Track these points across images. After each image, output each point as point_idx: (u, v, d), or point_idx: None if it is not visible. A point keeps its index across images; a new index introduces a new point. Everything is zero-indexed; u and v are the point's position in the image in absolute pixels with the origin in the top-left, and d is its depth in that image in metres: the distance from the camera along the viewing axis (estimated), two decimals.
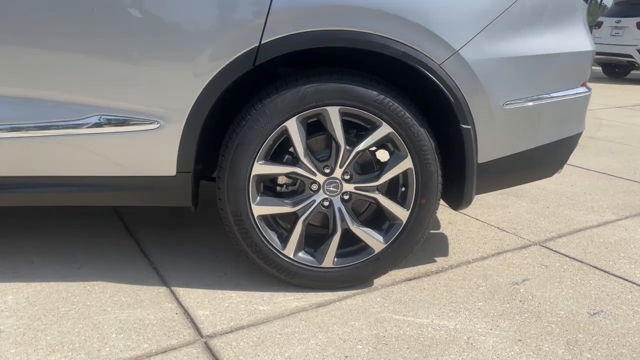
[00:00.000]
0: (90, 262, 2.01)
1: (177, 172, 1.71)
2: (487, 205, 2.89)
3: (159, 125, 1.65)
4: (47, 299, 1.75)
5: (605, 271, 2.15)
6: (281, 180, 1.85)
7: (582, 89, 1.97)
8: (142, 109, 1.64)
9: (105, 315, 1.67)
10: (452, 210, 2.68)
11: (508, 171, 1.95)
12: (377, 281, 1.97)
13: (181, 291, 1.84)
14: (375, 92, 1.70)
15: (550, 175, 2.10)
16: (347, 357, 1.53)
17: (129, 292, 1.82)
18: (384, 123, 1.73)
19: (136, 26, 1.57)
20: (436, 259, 2.20)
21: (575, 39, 1.88)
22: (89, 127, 1.64)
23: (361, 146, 1.76)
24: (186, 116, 1.64)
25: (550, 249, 2.35)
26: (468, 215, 2.72)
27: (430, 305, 1.83)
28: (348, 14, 1.62)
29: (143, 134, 1.65)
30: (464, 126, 1.77)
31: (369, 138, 1.76)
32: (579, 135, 2.05)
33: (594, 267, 2.19)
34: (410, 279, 2.01)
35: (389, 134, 1.75)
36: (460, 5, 1.70)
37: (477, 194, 1.96)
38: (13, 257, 2.03)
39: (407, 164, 1.79)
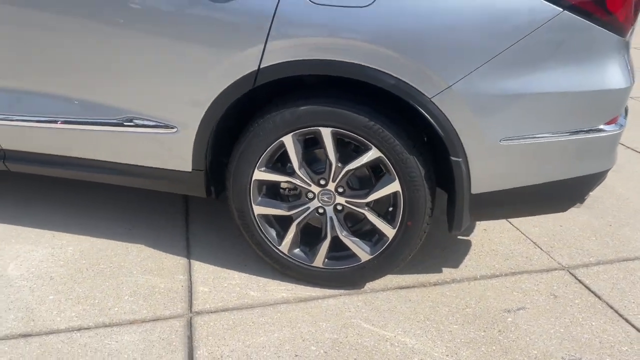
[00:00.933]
0: (141, 225, 2.43)
1: (192, 169, 2.00)
2: None
3: (176, 130, 1.93)
4: (95, 255, 2.20)
5: (619, 313, 2.05)
6: (284, 185, 2.04)
7: (607, 128, 1.83)
8: (165, 116, 1.92)
9: (129, 277, 2.07)
10: None
11: (508, 203, 1.92)
12: (369, 285, 2.12)
13: (196, 265, 2.18)
14: (366, 119, 1.79)
15: (564, 210, 2.01)
16: (297, 356, 1.75)
17: (157, 258, 2.20)
18: (373, 147, 1.82)
19: (161, 53, 1.82)
20: (444, 269, 2.27)
21: (595, 77, 1.73)
22: (126, 126, 1.97)
23: (351, 165, 1.88)
24: (197, 125, 1.89)
25: (575, 277, 2.26)
26: (510, 223, 2.67)
27: (404, 319, 1.95)
28: (339, 46, 1.70)
29: (166, 136, 1.95)
30: (454, 159, 1.79)
31: (358, 159, 1.86)
32: (600, 173, 1.92)
33: (609, 306, 2.09)
34: (402, 288, 2.12)
35: (378, 157, 1.84)
36: (455, 42, 1.67)
37: (477, 220, 1.98)
38: (81, 214, 2.52)
39: (395, 187, 1.87)
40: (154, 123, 1.94)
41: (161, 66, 1.84)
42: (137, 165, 2.05)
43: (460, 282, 2.19)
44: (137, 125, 1.96)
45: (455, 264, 2.31)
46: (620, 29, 1.72)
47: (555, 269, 2.32)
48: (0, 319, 1.82)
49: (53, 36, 1.91)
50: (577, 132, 1.79)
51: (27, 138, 2.11)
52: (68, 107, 2.00)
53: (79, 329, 1.80)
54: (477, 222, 2.66)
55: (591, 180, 1.92)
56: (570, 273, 2.29)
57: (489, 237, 2.54)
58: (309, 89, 1.89)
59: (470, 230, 2.58)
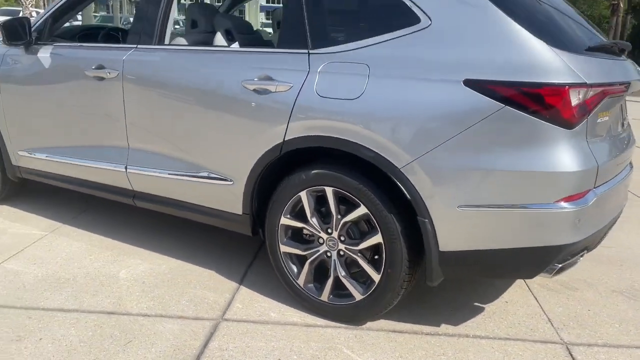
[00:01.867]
0: (216, 256, 3.17)
1: (242, 212, 2.69)
2: (578, 288, 2.89)
3: (232, 182, 2.66)
4: (177, 271, 2.98)
5: None
6: (305, 231, 2.61)
7: (564, 204, 2.08)
8: (225, 172, 2.68)
9: (192, 289, 2.78)
10: (526, 285, 2.87)
11: (474, 263, 2.24)
12: (368, 324, 2.53)
13: (243, 289, 2.81)
14: (357, 182, 2.32)
15: (531, 277, 2.23)
16: (279, 359, 2.25)
17: (217, 280, 2.89)
18: (362, 205, 2.33)
19: (224, 129, 2.61)
20: (443, 324, 2.56)
21: (540, 160, 2.03)
22: (202, 179, 2.77)
23: (346, 218, 2.39)
24: (245, 179, 2.60)
25: (570, 353, 2.38)
26: (535, 299, 2.83)
27: (381, 352, 2.31)
28: (335, 126, 2.30)
29: (225, 186, 2.69)
30: (421, 219, 2.21)
31: (351, 214, 2.38)
32: (564, 246, 2.13)
33: None
34: (395, 331, 2.49)
35: (365, 213, 2.33)
36: (418, 127, 2.15)
37: (450, 276, 2.32)
38: (180, 244, 3.35)
39: (377, 238, 2.33)
40: (217, 176, 2.71)
41: (224, 138, 2.63)
42: (209, 207, 2.82)
43: (451, 336, 2.47)
44: (209, 178, 2.74)
45: (457, 322, 2.59)
46: (564, 122, 2.04)
47: (553, 342, 2.46)
48: (100, 300, 2.65)
49: (166, 117, 2.83)
50: (526, 207, 2.09)
51: (148, 183, 3.04)
52: (173, 163, 2.88)
53: (144, 315, 2.54)
54: (501, 295, 2.88)
55: (553, 252, 2.15)
56: (567, 349, 2.42)
57: (507, 307, 2.75)
58: (322, 157, 2.48)
59: (489, 299, 2.82)
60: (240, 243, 3.31)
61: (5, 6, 50.91)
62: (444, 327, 2.54)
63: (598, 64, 2.23)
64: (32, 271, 2.92)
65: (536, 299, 2.86)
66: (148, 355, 2.24)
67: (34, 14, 19.65)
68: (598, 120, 2.18)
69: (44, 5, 30.82)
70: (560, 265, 2.22)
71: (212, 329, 2.45)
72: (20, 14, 27.57)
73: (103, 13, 34.62)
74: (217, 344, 2.33)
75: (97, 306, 2.60)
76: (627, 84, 2.31)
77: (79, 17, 19.13)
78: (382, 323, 2.54)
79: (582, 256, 2.37)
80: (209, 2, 3.63)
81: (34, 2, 30.18)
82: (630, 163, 2.79)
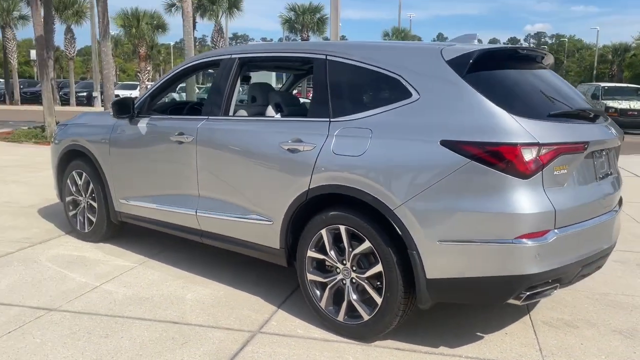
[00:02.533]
0: (265, 283, 3.82)
1: (279, 247, 3.35)
2: (579, 326, 3.21)
3: (272, 222, 3.35)
4: (231, 295, 3.66)
5: None
6: (327, 262, 3.21)
7: (525, 240, 2.54)
8: (267, 214, 3.37)
9: (239, 309, 3.44)
10: (530, 321, 3.24)
11: (456, 289, 2.72)
12: (377, 342, 3.03)
13: (279, 312, 3.42)
14: (362, 221, 2.91)
15: (501, 302, 2.67)
16: None
17: (262, 303, 3.53)
18: (366, 240, 2.91)
19: (265, 180, 3.34)
20: (442, 346, 3.01)
21: (501, 204, 2.53)
22: (247, 220, 3.49)
23: (355, 251, 2.98)
24: (281, 221, 3.28)
25: None
26: (534, 334, 3.18)
27: None
28: (345, 177, 2.94)
29: (266, 225, 3.38)
30: (410, 250, 2.75)
31: (359, 247, 2.96)
32: (527, 276, 2.57)
33: None
34: (399, 349, 2.97)
35: (369, 246, 2.91)
36: (405, 177, 2.74)
37: (437, 300, 2.80)
38: (237, 277, 4.04)
39: (379, 268, 2.88)
40: (261, 218, 3.41)
41: (265, 187, 3.35)
42: (256, 243, 3.51)
43: (445, 355, 2.92)
44: (254, 219, 3.45)
45: (455, 345, 3.02)
46: (520, 174, 2.54)
47: None
48: (169, 314, 3.38)
49: (226, 172, 3.61)
50: (492, 242, 2.58)
51: (212, 224, 3.80)
52: (230, 207, 3.62)
53: (199, 325, 3.22)
54: (504, 327, 3.26)
55: (517, 281, 2.59)
56: None
57: (504, 337, 3.14)
58: (338, 202, 3.10)
59: (491, 329, 3.21)
60: (284, 277, 3.95)
61: (126, 80, 57.17)
62: (442, 348, 2.98)
63: (555, 127, 2.72)
64: (121, 291, 3.74)
65: (535, 332, 3.21)
66: (197, 353, 2.91)
67: (149, 86, 22.24)
68: (555, 173, 2.64)
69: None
70: (527, 294, 2.64)
71: (249, 338, 3.08)
72: (138, 88, 31.24)
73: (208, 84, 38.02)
74: (250, 349, 2.95)
75: (165, 317, 3.33)
76: (585, 144, 2.76)
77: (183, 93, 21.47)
78: (389, 342, 3.04)
79: (555, 289, 2.76)
80: (266, 83, 4.46)
81: (150, 77, 34.06)
82: (617, 206, 3.16)
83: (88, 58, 56.54)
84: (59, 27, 32.29)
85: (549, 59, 3.42)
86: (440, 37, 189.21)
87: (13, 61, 34.27)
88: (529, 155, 2.56)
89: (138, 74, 34.45)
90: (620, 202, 3.36)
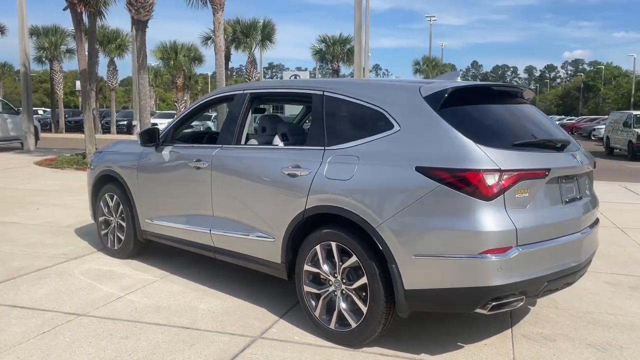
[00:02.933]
0: (268, 297, 4.19)
1: (281, 262, 3.74)
2: (556, 340, 3.46)
3: (274, 239, 3.75)
4: (241, 306, 4.05)
5: None
6: (321, 275, 3.57)
7: (489, 255, 2.86)
8: (270, 232, 3.78)
9: (244, 318, 3.82)
10: (510, 334, 3.52)
11: (428, 299, 3.05)
12: (365, 348, 3.36)
13: (281, 321, 3.78)
14: (350, 238, 3.28)
15: (469, 311, 2.98)
16: None
17: (264, 313, 3.90)
18: (353, 255, 3.27)
19: (268, 201, 3.76)
20: (423, 353, 3.32)
21: (467, 222, 2.86)
22: (254, 237, 3.90)
23: (344, 265, 3.34)
24: (282, 238, 3.68)
25: None
26: (512, 342, 3.46)
27: None
28: (335, 198, 3.33)
29: (269, 242, 3.78)
30: (390, 264, 3.10)
31: (347, 262, 3.32)
32: (491, 287, 2.88)
33: None
34: (383, 354, 3.29)
35: (355, 261, 3.27)
36: (385, 200, 3.11)
37: (415, 309, 3.13)
38: (246, 287, 4.44)
39: (364, 280, 3.23)
40: (265, 235, 3.81)
41: (269, 207, 3.77)
42: (258, 257, 3.91)
43: None
44: (259, 236, 3.86)
45: (434, 352, 3.32)
46: (483, 196, 2.88)
47: None
48: (182, 320, 3.78)
49: (236, 194, 4.05)
50: (459, 256, 2.91)
51: (224, 241, 4.22)
52: (239, 226, 4.05)
53: (208, 331, 3.62)
54: (485, 339, 3.54)
55: (482, 291, 2.90)
56: None
57: (483, 348, 3.42)
58: (330, 221, 3.48)
59: (471, 340, 3.50)
60: (289, 290, 4.31)
61: (165, 109, 59.16)
62: (422, 355, 3.29)
63: (517, 155, 3.05)
64: (143, 301, 4.18)
65: (513, 344, 3.49)
66: (203, 353, 3.30)
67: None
68: (517, 196, 2.97)
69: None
70: (493, 304, 2.95)
71: (250, 342, 3.45)
72: (175, 117, 32.51)
73: None
74: (250, 351, 3.33)
75: (179, 323, 3.74)
76: (547, 170, 3.08)
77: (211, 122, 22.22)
78: (375, 348, 3.36)
79: (521, 301, 3.05)
80: (275, 114, 4.92)
81: (186, 105, 35.42)
82: (588, 227, 3.45)
83: (129, 88, 58.93)
84: (102, 60, 34.02)
85: (529, 94, 3.77)
86: (475, 65, 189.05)
87: (59, 92, 36.19)
88: (491, 180, 2.90)
89: (175, 103, 35.83)
90: (595, 222, 3.64)
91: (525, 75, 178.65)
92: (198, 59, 34.37)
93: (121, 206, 5.19)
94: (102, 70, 37.10)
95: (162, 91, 70.91)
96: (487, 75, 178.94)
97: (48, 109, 36.87)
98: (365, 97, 3.49)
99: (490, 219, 2.90)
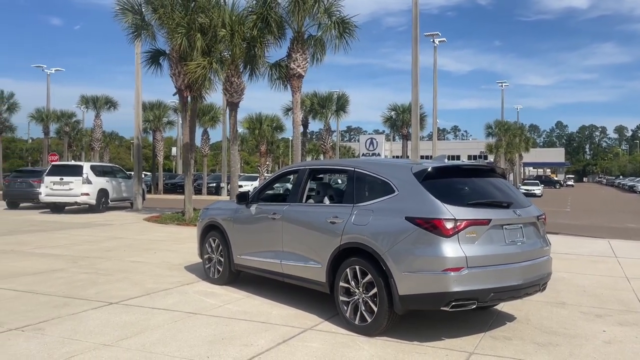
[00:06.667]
0: (320, 306, 6.03)
1: (325, 281, 5.63)
2: (512, 339, 5.05)
3: (321, 266, 5.67)
4: (298, 313, 5.93)
5: None
6: (350, 289, 5.40)
7: (448, 272, 4.62)
8: (318, 260, 5.70)
9: (301, 319, 5.69)
10: (483, 334, 5.17)
11: (414, 301, 4.81)
12: (378, 337, 5.11)
13: (325, 322, 5.62)
14: (367, 262, 5.14)
15: (438, 308, 4.71)
16: (326, 341, 5.00)
17: (313, 317, 5.76)
18: (369, 274, 5.12)
19: (318, 239, 5.71)
20: (415, 340, 5.02)
21: (433, 250, 4.65)
22: (308, 264, 5.83)
23: (364, 281, 5.18)
24: (326, 264, 5.59)
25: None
26: (480, 340, 5.08)
27: (373, 347, 4.91)
28: (358, 238, 5.22)
29: (318, 267, 5.70)
30: (390, 279, 4.91)
31: (365, 278, 5.16)
32: (447, 292, 4.61)
33: None
34: (386, 339, 5.03)
35: (370, 277, 5.10)
36: (388, 236, 4.96)
37: (406, 308, 4.88)
38: (302, 302, 6.31)
39: (375, 290, 5.05)
40: (315, 263, 5.74)
41: (319, 244, 5.70)
42: (310, 279, 5.83)
43: (415, 345, 4.93)
44: (311, 264, 5.78)
45: (424, 341, 5.01)
46: (444, 235, 4.68)
47: (452, 350, 4.75)
48: (259, 318, 5.72)
49: (298, 236, 6.03)
50: (429, 272, 4.68)
51: (290, 268, 6.16)
52: (299, 257, 6.00)
53: (277, 324, 5.53)
54: (461, 336, 5.18)
55: (443, 295, 4.64)
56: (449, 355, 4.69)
57: (457, 340, 5.06)
58: (355, 252, 5.34)
59: (452, 335, 5.15)
60: (333, 306, 6.15)
61: (249, 171, 63.47)
62: (414, 342, 5.00)
63: (469, 210, 4.82)
64: (235, 308, 6.16)
65: (480, 340, 5.10)
66: (272, 335, 5.19)
67: (265, 178, 25.87)
68: (467, 235, 4.73)
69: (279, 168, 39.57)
70: (453, 304, 4.67)
71: (303, 331, 5.32)
72: (257, 180, 35.68)
73: None
74: (303, 335, 5.19)
75: (258, 320, 5.68)
76: (488, 220, 4.82)
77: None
78: (384, 337, 5.11)
79: (473, 304, 4.74)
80: (325, 181, 6.97)
81: (269, 169, 38.68)
82: (536, 259, 5.09)
83: (217, 152, 64.11)
84: (197, 130, 38.35)
85: (499, 170, 5.56)
86: (559, 125, 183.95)
87: (159, 158, 40.77)
88: (449, 225, 4.70)
89: (259, 167, 39.18)
90: (542, 257, 5.27)
91: (615, 135, 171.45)
92: (280, 127, 37.85)
93: (220, 246, 7.33)
94: (197, 139, 41.73)
95: (246, 155, 75.92)
96: (572, 135, 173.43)
97: (148, 173, 41.38)
98: (378, 173, 5.43)
99: (449, 249, 4.68)
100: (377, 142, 30.85)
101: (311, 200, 6.53)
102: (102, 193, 19.82)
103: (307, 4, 15.95)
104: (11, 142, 78.09)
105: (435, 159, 5.72)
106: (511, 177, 62.45)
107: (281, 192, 8.07)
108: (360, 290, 5.23)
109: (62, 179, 19.11)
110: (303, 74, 16.76)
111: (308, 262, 5.86)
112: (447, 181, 5.18)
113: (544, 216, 5.50)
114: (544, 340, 5.12)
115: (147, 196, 25.37)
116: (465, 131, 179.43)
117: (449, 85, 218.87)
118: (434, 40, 32.19)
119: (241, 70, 16.43)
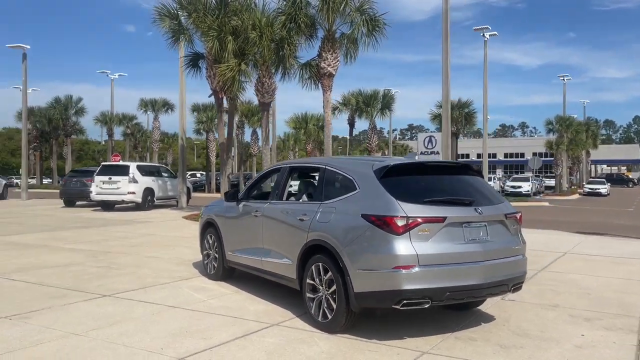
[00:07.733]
0: (295, 303, 6.08)
1: (295, 277, 5.68)
2: (478, 340, 4.92)
3: (292, 262, 5.72)
4: (274, 309, 6.01)
5: None
6: (315, 285, 5.42)
7: (399, 270, 4.55)
8: (290, 257, 5.76)
9: (274, 315, 5.77)
10: (455, 335, 5.08)
11: (367, 298, 4.77)
12: (339, 334, 5.11)
13: (296, 319, 5.67)
14: (328, 259, 5.14)
15: (389, 306, 4.64)
16: (286, 337, 5.06)
17: (286, 313, 5.82)
18: (329, 271, 5.13)
19: (290, 236, 5.77)
20: (374, 338, 4.99)
21: (385, 248, 4.60)
22: (282, 261, 5.91)
23: (325, 278, 5.19)
24: (296, 261, 5.64)
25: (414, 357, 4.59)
26: (453, 342, 4.98)
27: (329, 343, 4.92)
28: (319, 235, 5.24)
29: (290, 264, 5.76)
30: (346, 276, 4.90)
31: (326, 276, 5.17)
32: (397, 291, 4.54)
33: None
34: (344, 337, 5.02)
35: (330, 274, 5.11)
36: (346, 234, 4.95)
37: (362, 306, 4.86)
38: (281, 298, 6.38)
39: (335, 287, 5.05)
40: (287, 259, 5.80)
41: (290, 241, 5.76)
42: (284, 275, 5.89)
43: (373, 343, 4.90)
44: (285, 261, 5.85)
45: (384, 339, 4.97)
46: (395, 232, 4.62)
47: (413, 350, 4.67)
48: (234, 313, 5.85)
49: (275, 233, 6.12)
50: (381, 269, 4.64)
51: (267, 265, 6.27)
52: (275, 254, 6.08)
53: (247, 319, 5.64)
54: (425, 336, 5.09)
55: (395, 293, 4.58)
56: (414, 354, 4.61)
57: (419, 340, 4.98)
58: (320, 249, 5.35)
59: (415, 335, 5.07)
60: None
61: None
62: (374, 340, 4.96)
63: (423, 208, 4.73)
64: (217, 303, 6.32)
65: (442, 340, 4.99)
66: (238, 330, 5.30)
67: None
68: (419, 233, 4.64)
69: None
70: (405, 302, 4.60)
71: (268, 326, 5.40)
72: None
73: None
74: (266, 331, 5.27)
75: (233, 315, 5.81)
76: (444, 218, 4.70)
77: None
78: (345, 335, 5.10)
79: (427, 303, 4.65)
80: (308, 180, 7.00)
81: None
82: (502, 258, 4.93)
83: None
84: (247, 130, 39.30)
85: (473, 167, 5.41)
86: (637, 120, 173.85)
87: (212, 157, 41.98)
88: (401, 222, 4.63)
89: None
90: (512, 256, 5.08)
91: None
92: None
93: (216, 244, 7.53)
94: (248, 138, 42.69)
95: (303, 154, 76.65)
96: None
97: (203, 172, 42.69)
98: (345, 170, 5.42)
99: (401, 247, 4.61)
100: (436, 140, 30.22)
101: (292, 198, 6.59)
102: (148, 192, 20.70)
103: (336, 3, 15.97)
104: (84, 144, 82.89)
105: (406, 157, 5.62)
106: (578, 175, 59.51)
107: (270, 190, 8.23)
108: (323, 287, 5.24)
109: (111, 178, 20.12)
110: (334, 72, 16.81)
111: (282, 259, 5.93)
112: (408, 179, 5.10)
113: (517, 214, 5.30)
114: (509, 343, 4.94)
115: (199, 195, 26.24)
116: (534, 127, 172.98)
117: (517, 81, 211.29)
118: (484, 34, 31.28)
119: (273, 71, 16.70)
